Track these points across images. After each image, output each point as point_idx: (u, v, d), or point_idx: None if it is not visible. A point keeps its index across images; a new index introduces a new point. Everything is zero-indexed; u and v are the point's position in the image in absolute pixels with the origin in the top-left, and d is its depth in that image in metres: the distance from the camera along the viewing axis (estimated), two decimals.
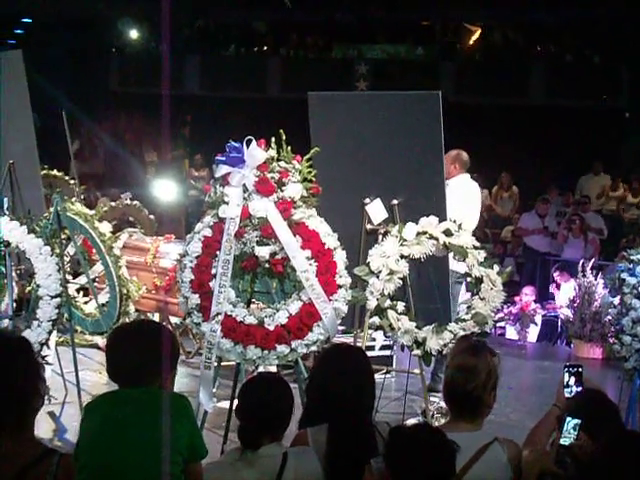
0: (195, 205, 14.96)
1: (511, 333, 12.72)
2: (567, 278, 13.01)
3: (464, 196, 8.41)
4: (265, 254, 5.96)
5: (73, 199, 8.92)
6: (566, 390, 4.47)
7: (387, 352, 9.17)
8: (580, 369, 4.51)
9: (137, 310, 9.07)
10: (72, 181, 10.54)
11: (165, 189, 13.37)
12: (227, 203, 5.99)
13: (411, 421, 7.00)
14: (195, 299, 6.00)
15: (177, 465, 3.73)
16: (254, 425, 4.00)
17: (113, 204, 10.99)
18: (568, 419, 4.02)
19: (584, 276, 11.36)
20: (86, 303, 9.39)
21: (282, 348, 5.87)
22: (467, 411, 4.22)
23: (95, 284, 9.18)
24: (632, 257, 6.86)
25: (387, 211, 7.41)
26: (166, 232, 10.29)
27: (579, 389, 4.46)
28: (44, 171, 9.93)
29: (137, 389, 3.83)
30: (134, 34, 23.49)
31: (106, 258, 8.40)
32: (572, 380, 4.52)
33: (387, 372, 8.47)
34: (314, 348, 5.97)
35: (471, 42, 23.12)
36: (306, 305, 5.90)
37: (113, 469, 3.69)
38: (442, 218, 7.07)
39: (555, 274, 13.51)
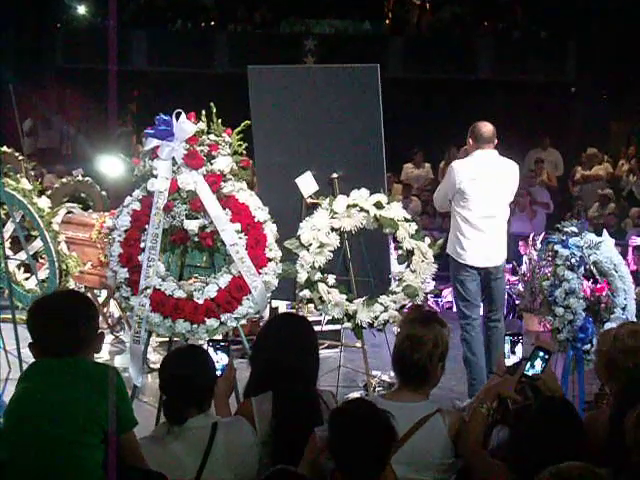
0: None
1: None
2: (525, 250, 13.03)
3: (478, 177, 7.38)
4: (194, 227, 5.93)
5: (18, 175, 8.83)
6: (507, 360, 4.59)
7: (337, 326, 9.16)
8: (519, 338, 4.63)
9: (85, 287, 9.06)
10: (20, 157, 10.42)
11: (112, 165, 13.25)
12: (156, 176, 5.95)
13: (352, 395, 7.04)
14: (124, 273, 5.96)
15: (95, 435, 3.71)
16: (177, 399, 4.00)
17: (64, 180, 10.89)
18: (539, 352, 4.13)
19: (535, 249, 11.40)
20: (27, 279, 9.31)
21: (211, 322, 5.86)
22: (412, 380, 4.26)
23: (42, 261, 9.11)
24: (565, 229, 6.92)
25: (326, 184, 7.41)
26: (115, 208, 10.24)
27: (516, 357, 4.58)
28: None
29: (62, 359, 3.81)
30: (80, 9, 23.23)
31: (45, 234, 8.32)
32: (513, 349, 4.65)
33: (330, 347, 8.48)
34: (243, 322, 5.97)
35: (418, 17, 23.10)
36: (236, 278, 5.90)
37: (26, 436, 3.68)
38: (377, 191, 7.08)
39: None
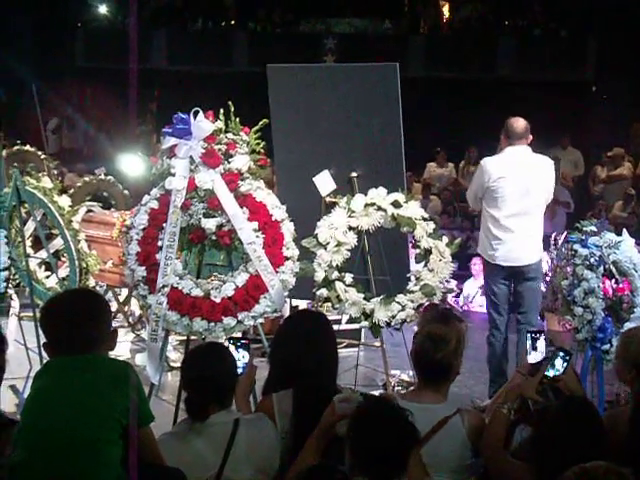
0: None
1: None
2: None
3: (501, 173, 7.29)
4: (211, 226, 5.94)
5: (40, 174, 8.87)
6: (529, 356, 4.61)
7: (356, 325, 9.16)
8: (541, 335, 4.65)
9: (108, 286, 9.14)
10: (43, 156, 10.47)
11: (132, 164, 13.30)
12: (173, 175, 5.96)
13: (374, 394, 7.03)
14: (141, 271, 5.97)
15: (113, 431, 3.70)
16: (199, 395, 4.02)
17: (87, 179, 10.94)
18: (559, 352, 4.14)
19: (556, 249, 11.33)
20: (48, 277, 9.35)
21: (228, 320, 5.87)
22: (435, 379, 4.27)
23: (63, 259, 9.15)
24: (584, 228, 6.88)
25: (345, 183, 7.40)
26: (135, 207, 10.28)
27: (538, 353, 4.60)
28: (16, 147, 9.89)
29: (77, 356, 3.81)
30: (100, 8, 23.30)
31: (65, 232, 8.35)
32: (534, 345, 4.67)
33: (349, 346, 8.48)
34: (261, 320, 5.97)
35: (439, 16, 23.06)
36: (253, 277, 5.90)
37: (45, 432, 3.68)
38: (397, 190, 7.06)
39: None
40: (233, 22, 23.22)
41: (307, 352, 4.33)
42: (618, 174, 16.97)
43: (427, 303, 6.89)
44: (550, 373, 4.26)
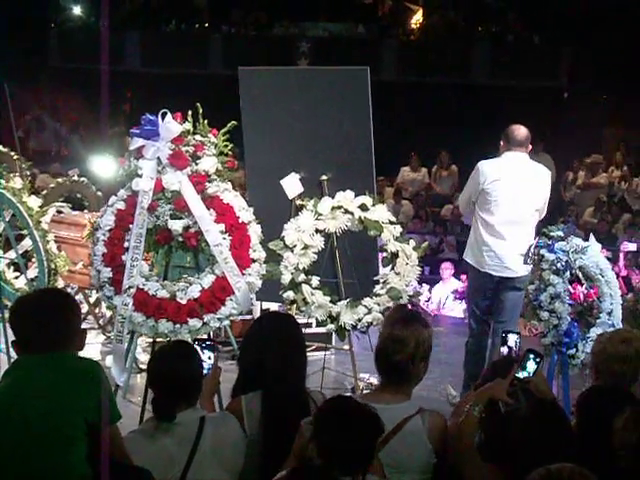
0: None
1: (458, 311, 12.65)
2: None
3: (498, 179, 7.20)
4: (178, 228, 5.94)
5: (12, 174, 8.82)
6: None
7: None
8: (510, 335, 4.73)
9: (79, 287, 9.14)
10: (16, 157, 10.42)
11: (104, 166, 13.25)
12: (140, 176, 5.95)
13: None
14: (107, 272, 5.97)
15: (78, 428, 3.71)
16: (166, 394, 4.03)
17: (60, 180, 10.89)
18: (530, 354, 4.17)
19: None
20: (16, 278, 9.30)
21: (194, 322, 5.87)
22: (394, 381, 4.26)
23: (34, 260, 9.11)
24: (551, 233, 6.91)
25: (316, 186, 7.41)
26: None
27: (506, 348, 4.69)
28: None
29: (45, 354, 3.82)
30: (74, 9, 23.20)
31: (34, 233, 8.31)
32: (505, 341, 4.77)
33: (319, 349, 8.48)
34: (226, 322, 5.97)
35: (413, 21, 23.12)
36: (219, 279, 5.90)
37: (10, 429, 3.69)
38: (367, 194, 7.08)
39: None
40: (207, 24, 23.18)
41: (275, 354, 4.33)
42: (596, 182, 17.09)
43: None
44: (521, 375, 4.27)
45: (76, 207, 10.33)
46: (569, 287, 6.90)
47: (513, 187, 7.14)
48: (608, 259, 10.22)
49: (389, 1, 23.16)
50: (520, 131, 7.24)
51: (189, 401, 4.08)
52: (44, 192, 10.30)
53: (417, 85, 21.39)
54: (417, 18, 23.13)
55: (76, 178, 10.76)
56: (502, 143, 7.30)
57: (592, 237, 7.22)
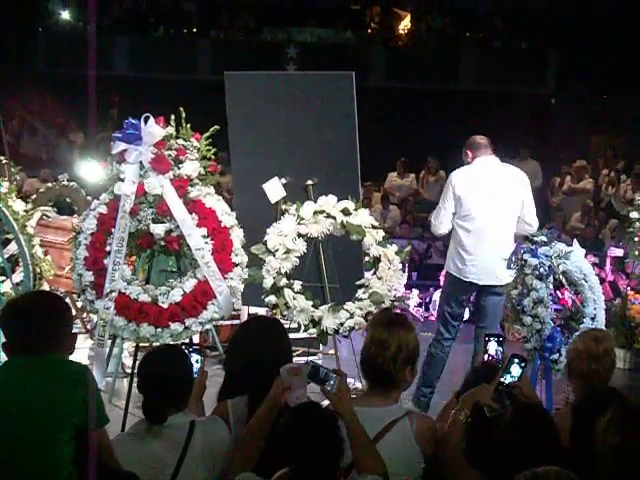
0: None
1: None
2: None
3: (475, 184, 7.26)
4: (160, 232, 5.94)
5: (0, 179, 8.82)
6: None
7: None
8: (493, 338, 4.73)
9: (66, 291, 9.07)
10: (5, 161, 10.41)
11: (91, 170, 13.25)
12: (123, 180, 5.95)
13: (325, 402, 7.00)
14: (89, 276, 5.97)
15: (65, 431, 3.71)
16: (157, 397, 4.02)
17: (50, 185, 10.89)
18: (515, 359, 4.17)
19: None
20: (2, 282, 9.29)
21: (176, 326, 5.87)
22: (379, 384, 4.25)
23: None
24: (535, 238, 6.93)
25: (301, 191, 7.40)
26: None
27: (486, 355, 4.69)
28: None
29: (34, 357, 3.83)
30: (62, 14, 23.17)
31: (19, 237, 8.30)
32: (484, 346, 4.76)
33: (305, 353, 8.46)
34: (209, 326, 5.97)
35: (401, 27, 23.18)
36: (201, 283, 5.91)
37: None
38: (352, 198, 7.08)
39: None
40: (195, 29, 23.17)
41: (261, 358, 4.33)
42: (582, 187, 17.10)
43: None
44: (506, 379, 4.27)
45: (65, 212, 10.31)
46: (557, 292, 6.91)
47: (488, 192, 7.17)
48: (595, 264, 10.26)
49: (377, 7, 23.20)
50: (481, 137, 7.34)
51: (179, 405, 4.07)
52: (33, 196, 10.30)
53: (405, 91, 21.43)
54: (405, 24, 23.20)
55: (66, 183, 10.77)
56: (468, 153, 7.37)
57: (576, 242, 7.24)
